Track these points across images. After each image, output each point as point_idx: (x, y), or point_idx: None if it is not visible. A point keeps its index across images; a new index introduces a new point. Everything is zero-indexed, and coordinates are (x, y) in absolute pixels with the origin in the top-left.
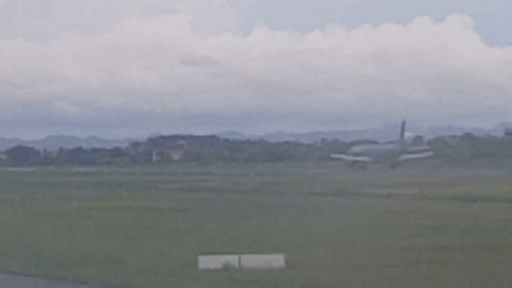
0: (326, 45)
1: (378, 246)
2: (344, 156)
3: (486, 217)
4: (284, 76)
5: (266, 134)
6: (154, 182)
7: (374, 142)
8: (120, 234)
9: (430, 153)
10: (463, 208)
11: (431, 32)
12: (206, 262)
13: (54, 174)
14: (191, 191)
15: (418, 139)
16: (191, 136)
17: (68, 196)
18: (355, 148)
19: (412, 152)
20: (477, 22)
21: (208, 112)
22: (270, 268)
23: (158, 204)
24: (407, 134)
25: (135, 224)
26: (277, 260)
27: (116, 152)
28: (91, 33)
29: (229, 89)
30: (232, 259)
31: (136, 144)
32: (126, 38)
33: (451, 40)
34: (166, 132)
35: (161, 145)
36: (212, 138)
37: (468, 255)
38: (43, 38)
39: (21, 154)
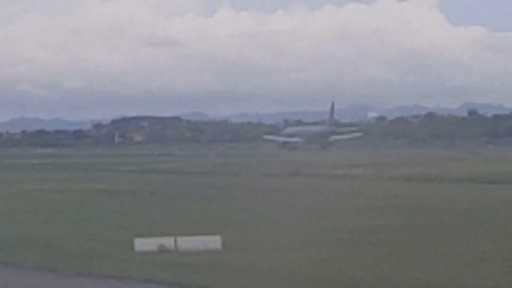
0: (289, 26)
1: (320, 227)
2: (277, 137)
3: (435, 197)
4: (248, 57)
5: (230, 115)
6: (112, 164)
7: (314, 123)
8: (64, 217)
9: (360, 133)
10: (415, 188)
11: (395, 12)
12: (142, 244)
13: (14, 156)
14: (148, 172)
15: (381, 119)
16: (154, 118)
17: (22, 179)
18: (288, 129)
19: (341, 133)
20: (441, 1)
21: (172, 94)
22: (206, 250)
23: (110, 186)
24: (371, 114)
25: (81, 207)
26: (214, 241)
27: (79, 134)
28: (54, 16)
29: (193, 71)
30: (168, 241)
31: (98, 126)
32: (89, 20)
33: (415, 20)
34: (130, 114)
35: (123, 127)
36: (176, 119)
37: (407, 235)
38: (4, 21)
39: None
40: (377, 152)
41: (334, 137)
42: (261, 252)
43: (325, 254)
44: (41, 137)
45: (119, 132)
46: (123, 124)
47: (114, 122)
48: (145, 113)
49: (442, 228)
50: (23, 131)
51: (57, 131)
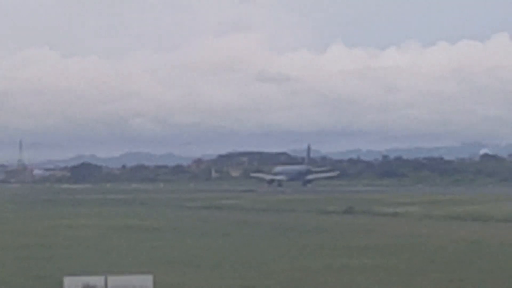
0: (402, 62)
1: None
2: (264, 175)
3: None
4: (360, 93)
5: (342, 151)
6: (181, 200)
7: (295, 164)
8: (46, 253)
9: (336, 173)
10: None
11: (509, 49)
12: (71, 283)
13: (97, 191)
14: (209, 208)
15: (492, 157)
16: (259, 153)
17: (64, 214)
18: (276, 169)
19: (318, 172)
20: None
21: (283, 129)
22: None
23: (143, 222)
24: (483, 150)
25: (78, 243)
26: (146, 281)
27: (178, 169)
28: (167, 51)
29: (304, 106)
30: (98, 280)
31: (198, 161)
32: (202, 55)
33: None
34: (241, 149)
35: (224, 162)
36: (283, 155)
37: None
38: (118, 56)
39: (84, 170)
40: (449, 189)
41: (310, 176)
42: None
43: None
44: (140, 172)
45: (216, 168)
46: (224, 159)
47: (221, 157)
48: (256, 148)
49: None
50: (123, 166)
51: (158, 167)
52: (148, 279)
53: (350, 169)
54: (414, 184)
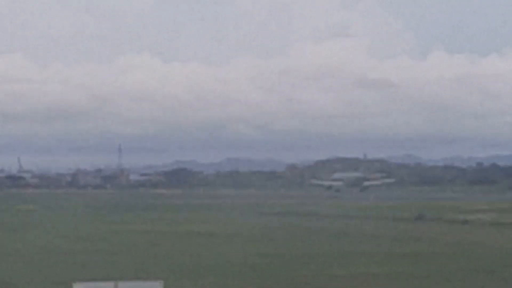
0: (504, 69)
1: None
2: (323, 181)
3: None
4: (460, 99)
5: (443, 158)
6: (261, 206)
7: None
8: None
9: (392, 179)
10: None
11: None
12: None
13: (185, 196)
14: (285, 214)
15: None
16: (353, 159)
17: (138, 219)
18: (335, 175)
19: (373, 179)
20: None
21: (384, 135)
22: None
23: (198, 228)
24: None
25: (121, 249)
26: (155, 287)
27: (272, 175)
28: (267, 57)
29: (405, 112)
30: (108, 286)
31: (292, 167)
32: (301, 61)
33: None
34: (341, 155)
35: (318, 169)
36: (380, 162)
37: None
38: (218, 62)
39: (179, 176)
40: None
41: (367, 183)
42: None
43: None
44: (234, 177)
45: (310, 174)
46: (320, 165)
47: (318, 162)
48: (354, 154)
49: None
50: (218, 172)
51: (252, 172)
52: (157, 285)
53: (445, 176)
54: (504, 192)
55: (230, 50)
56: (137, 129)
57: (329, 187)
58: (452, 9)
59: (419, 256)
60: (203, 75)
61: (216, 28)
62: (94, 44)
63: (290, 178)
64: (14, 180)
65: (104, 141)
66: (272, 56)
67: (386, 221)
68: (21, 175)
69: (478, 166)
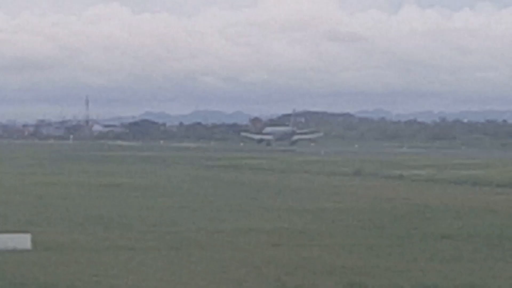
0: (475, 24)
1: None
2: (253, 135)
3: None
4: (432, 54)
5: (413, 113)
6: (207, 159)
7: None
8: None
9: (320, 134)
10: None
11: None
12: None
13: (142, 148)
14: (227, 167)
15: None
16: (320, 113)
17: (75, 171)
18: (266, 129)
19: (302, 133)
20: None
21: (354, 90)
22: (14, 249)
23: (126, 180)
24: None
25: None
26: (24, 239)
27: (235, 128)
28: (237, 8)
29: (375, 67)
30: None
31: (255, 121)
32: (272, 13)
33: None
34: (311, 109)
35: (281, 122)
36: (345, 115)
37: None
38: (187, 13)
39: (142, 128)
40: (484, 153)
41: (295, 137)
42: (77, 251)
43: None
44: (197, 130)
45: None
46: (284, 119)
47: (282, 116)
48: (323, 108)
49: None
50: (180, 124)
51: (216, 125)
52: (26, 238)
53: (406, 131)
54: (460, 147)
55: (200, 0)
56: (106, 80)
57: (260, 141)
58: None
59: (323, 211)
60: (173, 26)
61: None
62: None
63: (253, 131)
64: None
65: (72, 92)
66: (242, 8)
67: (321, 176)
68: None
69: (441, 121)
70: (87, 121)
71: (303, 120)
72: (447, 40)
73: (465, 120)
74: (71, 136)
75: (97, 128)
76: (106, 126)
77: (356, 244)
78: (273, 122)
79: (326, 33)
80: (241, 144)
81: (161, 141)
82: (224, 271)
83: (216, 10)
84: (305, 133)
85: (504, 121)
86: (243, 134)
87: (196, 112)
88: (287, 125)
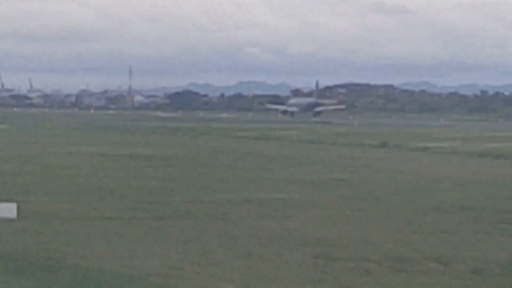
0: None
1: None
2: (278, 106)
3: None
4: (478, 27)
5: (459, 85)
6: (234, 130)
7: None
8: None
9: (343, 106)
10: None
11: None
12: None
13: (179, 119)
14: (259, 139)
15: None
16: (360, 85)
17: (98, 140)
18: (291, 101)
19: (325, 105)
20: None
21: (400, 62)
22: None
23: (149, 151)
24: None
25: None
26: (10, 209)
27: (277, 99)
28: None
29: (422, 39)
30: None
31: (296, 92)
32: None
33: None
34: (358, 81)
35: (323, 94)
36: (389, 87)
37: None
38: None
39: (183, 98)
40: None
41: (319, 108)
42: (58, 221)
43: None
44: (238, 101)
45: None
46: (325, 91)
47: (324, 88)
48: (371, 80)
49: None
50: (221, 95)
51: (257, 96)
52: (12, 207)
53: (445, 103)
54: (498, 120)
55: None
56: (151, 50)
57: (284, 112)
58: None
59: (327, 183)
60: None
61: None
62: None
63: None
64: (20, 99)
65: (117, 62)
66: None
67: (346, 148)
68: (27, 94)
69: (482, 94)
70: (129, 92)
71: (344, 91)
72: (493, 12)
73: (507, 93)
74: (113, 107)
75: (138, 98)
76: (148, 96)
77: (344, 216)
78: (300, 94)
79: (372, 5)
80: (279, 115)
81: (201, 112)
82: (196, 241)
83: None
84: (328, 105)
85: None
86: (269, 106)
87: (240, 83)
88: (312, 96)
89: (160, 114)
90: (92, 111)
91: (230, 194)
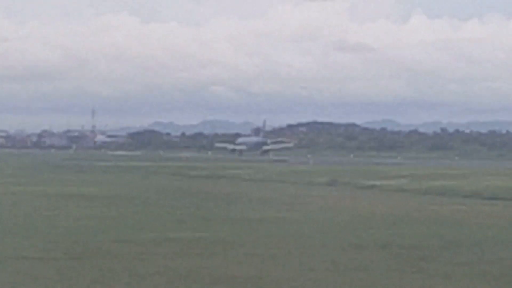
0: (484, 34)
1: None
2: (227, 145)
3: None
4: (441, 64)
5: (422, 123)
6: (185, 169)
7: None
8: None
9: (290, 144)
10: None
11: None
12: None
13: (133, 158)
14: (210, 178)
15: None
16: (327, 124)
17: (46, 180)
18: (239, 139)
19: (272, 144)
20: None
21: (362, 100)
22: None
23: (87, 190)
24: None
25: None
26: None
27: (236, 138)
28: (246, 18)
29: (384, 77)
30: None
31: (257, 130)
32: (280, 24)
33: None
34: (321, 119)
35: (282, 133)
36: (350, 126)
37: None
38: (196, 23)
39: (145, 138)
40: (468, 163)
41: (266, 147)
42: None
43: None
44: (198, 141)
45: (272, 138)
46: (286, 130)
47: (287, 127)
48: (335, 119)
49: None
50: (182, 134)
51: (216, 135)
52: None
53: (405, 141)
54: (454, 158)
55: (209, 10)
56: (115, 90)
57: (233, 150)
58: None
59: (260, 221)
60: (182, 36)
61: None
62: (73, 2)
63: (226, 142)
64: None
65: (81, 102)
66: (251, 18)
67: (294, 186)
68: None
69: (442, 132)
70: (92, 131)
71: (304, 129)
72: (456, 50)
73: (468, 131)
74: (74, 146)
75: (100, 138)
76: (109, 136)
77: (264, 254)
78: (249, 133)
79: (334, 43)
80: (243, 155)
81: (161, 152)
82: (102, 281)
83: (225, 20)
84: (275, 143)
85: (508, 131)
86: (218, 144)
87: (204, 122)
88: (259, 136)
89: (118, 153)
90: (52, 150)
91: (156, 233)
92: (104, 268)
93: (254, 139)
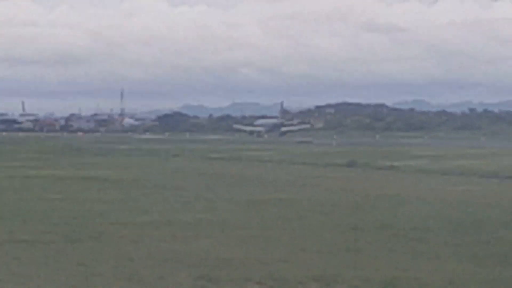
0: None
1: None
2: (245, 126)
3: None
4: (471, 44)
5: (453, 104)
6: (202, 150)
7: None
8: None
9: (308, 125)
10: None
11: None
12: None
13: (159, 141)
14: (229, 160)
15: None
16: (354, 104)
17: (61, 164)
18: (257, 121)
19: (289, 125)
20: None
21: (393, 81)
22: None
23: (105, 173)
24: None
25: None
26: None
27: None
28: (273, 1)
29: (414, 58)
30: None
31: (284, 112)
32: (310, 5)
33: None
34: (351, 99)
35: (312, 114)
36: (378, 106)
37: None
38: (224, 5)
39: (172, 120)
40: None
41: (284, 128)
42: None
43: None
44: (225, 122)
45: (303, 119)
46: (312, 112)
47: (315, 108)
48: (362, 99)
49: None
50: (210, 116)
51: (244, 117)
52: None
53: (432, 121)
54: (480, 138)
55: None
56: (144, 73)
57: (251, 132)
58: None
59: (266, 203)
60: (211, 19)
61: None
62: None
63: (245, 123)
64: (9, 123)
65: (110, 85)
66: (280, 0)
67: (312, 167)
68: (16, 119)
69: (470, 111)
70: (121, 114)
71: (332, 111)
72: (486, 30)
73: (496, 111)
74: (102, 130)
75: (128, 121)
76: (137, 119)
77: (258, 236)
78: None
79: (364, 24)
80: (265, 136)
81: (187, 134)
82: (90, 264)
83: (254, 2)
84: (293, 125)
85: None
86: (236, 126)
87: (234, 104)
88: (277, 117)
89: (145, 136)
90: (79, 134)
91: (156, 216)
92: (94, 251)
93: (272, 120)
